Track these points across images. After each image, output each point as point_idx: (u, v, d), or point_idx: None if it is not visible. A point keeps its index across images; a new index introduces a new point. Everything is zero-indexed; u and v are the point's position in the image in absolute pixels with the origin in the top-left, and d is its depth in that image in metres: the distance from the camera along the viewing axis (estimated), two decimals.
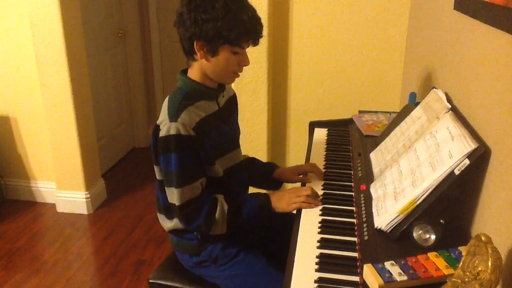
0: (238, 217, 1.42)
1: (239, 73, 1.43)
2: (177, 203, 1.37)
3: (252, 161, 1.73)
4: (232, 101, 1.61)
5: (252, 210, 1.43)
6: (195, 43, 1.34)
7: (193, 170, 1.37)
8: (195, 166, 1.38)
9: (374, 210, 1.28)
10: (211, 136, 1.41)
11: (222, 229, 1.41)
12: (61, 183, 3.00)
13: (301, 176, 1.63)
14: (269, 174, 1.68)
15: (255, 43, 1.39)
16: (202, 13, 1.30)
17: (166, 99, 1.42)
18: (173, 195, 1.37)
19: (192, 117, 1.36)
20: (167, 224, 1.51)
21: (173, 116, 1.34)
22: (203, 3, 1.31)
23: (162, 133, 1.35)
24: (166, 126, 1.34)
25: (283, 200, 1.43)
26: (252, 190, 1.65)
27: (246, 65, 1.41)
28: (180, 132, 1.32)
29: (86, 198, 3.00)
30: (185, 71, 1.45)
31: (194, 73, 1.42)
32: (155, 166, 1.46)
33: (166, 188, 1.41)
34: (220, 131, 1.46)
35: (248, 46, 1.39)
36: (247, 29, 1.34)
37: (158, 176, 1.47)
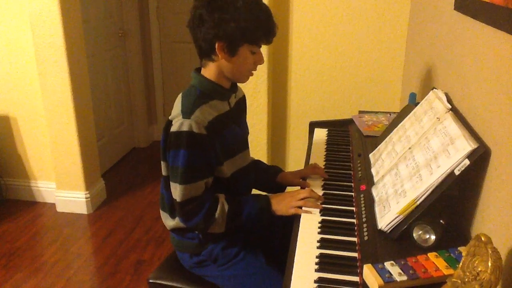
0: (237, 218, 1.42)
1: (253, 72, 1.45)
2: (178, 199, 1.37)
3: (257, 163, 1.73)
4: (242, 102, 1.62)
5: (252, 212, 1.43)
6: (216, 44, 1.34)
7: (199, 169, 1.38)
8: (202, 166, 1.38)
9: (376, 212, 1.28)
10: (223, 135, 1.42)
11: (220, 228, 1.41)
12: (61, 183, 3.00)
13: (301, 180, 1.62)
14: (273, 178, 1.68)
15: (269, 42, 1.42)
16: (224, 14, 1.31)
17: (179, 96, 1.43)
18: (176, 191, 1.38)
19: (205, 115, 1.36)
20: (170, 222, 1.51)
21: (187, 113, 1.35)
22: (225, 4, 1.32)
23: (174, 128, 1.35)
24: (178, 122, 1.34)
25: (282, 203, 1.43)
26: (254, 192, 1.64)
27: (261, 64, 1.43)
28: (193, 129, 1.33)
29: (86, 198, 3.00)
30: (198, 70, 1.46)
31: (209, 72, 1.43)
32: (162, 162, 1.45)
33: (171, 183, 1.40)
34: (231, 131, 1.47)
35: (262, 45, 1.42)
36: (267, 29, 1.37)
37: (164, 172, 1.46)
